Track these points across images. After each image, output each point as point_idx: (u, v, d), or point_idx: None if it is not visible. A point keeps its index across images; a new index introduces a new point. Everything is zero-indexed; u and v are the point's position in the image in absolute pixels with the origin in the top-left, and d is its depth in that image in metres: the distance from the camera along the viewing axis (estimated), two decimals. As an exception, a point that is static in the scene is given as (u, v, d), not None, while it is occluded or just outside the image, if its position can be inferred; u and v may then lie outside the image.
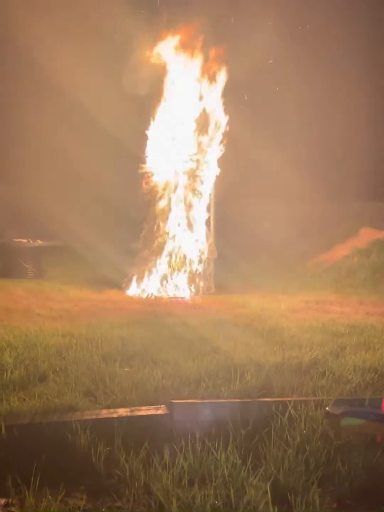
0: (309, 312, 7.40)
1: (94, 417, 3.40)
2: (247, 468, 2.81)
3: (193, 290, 9.52)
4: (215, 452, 2.94)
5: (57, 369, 4.27)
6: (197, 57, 10.00)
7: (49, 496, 2.63)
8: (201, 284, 9.65)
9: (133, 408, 3.56)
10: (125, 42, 12.41)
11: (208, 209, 10.10)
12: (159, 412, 3.51)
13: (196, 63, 10.03)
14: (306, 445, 3.05)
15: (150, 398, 3.73)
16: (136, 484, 2.76)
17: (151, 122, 10.05)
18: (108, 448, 3.06)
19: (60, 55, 13.39)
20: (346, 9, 14.77)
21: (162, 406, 3.59)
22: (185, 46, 10.00)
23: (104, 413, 3.49)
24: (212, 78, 10.06)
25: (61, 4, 13.73)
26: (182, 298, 9.12)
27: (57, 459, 2.99)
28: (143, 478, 2.79)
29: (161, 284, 9.53)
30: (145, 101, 10.24)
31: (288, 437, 3.14)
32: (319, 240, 13.64)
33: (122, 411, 3.50)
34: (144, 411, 3.54)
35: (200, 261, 9.82)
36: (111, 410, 3.54)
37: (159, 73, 10.05)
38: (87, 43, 13.35)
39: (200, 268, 9.75)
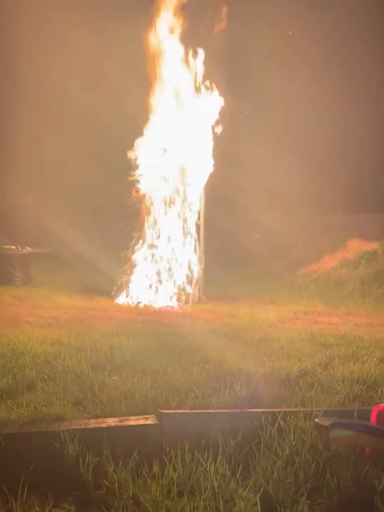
0: (298, 322, 7.42)
1: (82, 426, 3.37)
2: (236, 479, 2.81)
3: (182, 299, 9.51)
4: (204, 463, 2.93)
5: (46, 377, 4.24)
6: (190, 65, 10.05)
7: (37, 507, 2.60)
8: (190, 293, 9.64)
9: (122, 418, 3.53)
10: (117, 48, 12.48)
11: (198, 218, 10.12)
12: (149, 422, 3.49)
13: (189, 71, 10.07)
14: (295, 456, 3.05)
15: (139, 408, 3.70)
16: (124, 495, 2.74)
17: (142, 130, 10.07)
18: (96, 459, 3.03)
19: (52, 63, 13.42)
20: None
21: (151, 416, 3.57)
22: (178, 54, 10.04)
23: (93, 423, 3.46)
24: (205, 86, 10.11)
25: (57, 15, 13.77)
26: (171, 307, 9.10)
27: (45, 469, 2.96)
28: (132, 489, 2.77)
29: (151, 293, 9.51)
30: (136, 110, 10.26)
31: (278, 448, 3.13)
32: (307, 251, 13.73)
33: (111, 421, 3.48)
34: (134, 421, 3.51)
35: (189, 270, 9.82)
36: (100, 419, 3.51)
37: (151, 81, 10.09)
38: (80, 51, 13.41)
39: (189, 277, 9.74)
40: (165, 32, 9.87)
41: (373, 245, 12.37)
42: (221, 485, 2.76)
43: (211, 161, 10.03)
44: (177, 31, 9.88)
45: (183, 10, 9.74)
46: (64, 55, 14.24)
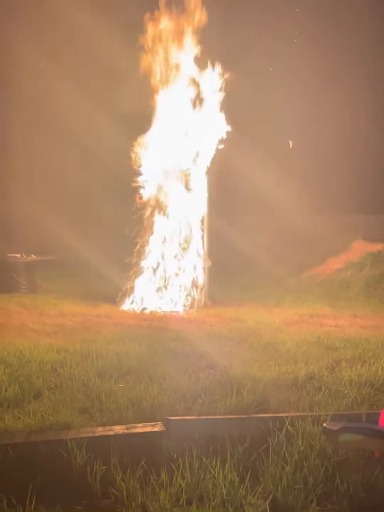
0: (304, 326, 7.39)
1: (90, 435, 3.36)
2: (245, 486, 2.79)
3: (187, 304, 9.50)
4: (212, 470, 2.92)
5: (52, 386, 4.23)
6: (190, 71, 10.07)
7: (45, 517, 2.59)
8: (195, 298, 9.63)
9: (129, 425, 3.52)
10: (115, 56, 12.52)
11: (202, 223, 10.12)
12: (156, 429, 3.48)
13: (189, 77, 10.09)
14: (304, 461, 3.03)
15: (146, 415, 3.69)
16: (133, 504, 2.73)
17: (145, 137, 10.09)
18: (104, 467, 3.02)
19: (53, 74, 13.50)
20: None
21: (158, 423, 3.56)
22: (178, 62, 10.06)
23: (100, 431, 3.45)
24: (206, 92, 10.12)
25: (53, 27, 13.88)
26: (176, 312, 9.09)
27: (53, 478, 2.95)
28: (140, 497, 2.76)
29: (156, 299, 9.51)
30: (139, 116, 10.28)
31: (286, 453, 3.12)
32: (312, 254, 13.70)
33: (118, 429, 3.47)
34: (141, 428, 3.50)
35: (194, 275, 9.81)
36: (107, 427, 3.50)
37: (153, 88, 10.12)
38: (79, 61, 13.48)
39: (194, 282, 9.74)
40: (168, 40, 9.91)
41: (377, 247, 12.33)
42: (230, 492, 2.75)
43: (213, 166, 10.05)
44: (180, 38, 9.91)
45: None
46: (66, 63, 14.32)
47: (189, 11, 9.72)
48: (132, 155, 9.95)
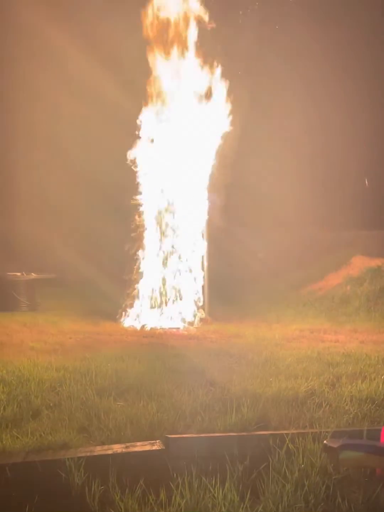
0: (304, 341, 7.37)
1: (88, 454, 3.33)
2: (245, 505, 2.75)
3: (188, 320, 9.48)
4: (212, 489, 2.88)
5: (51, 404, 4.21)
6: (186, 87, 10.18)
7: (43, 539, 2.56)
8: (195, 314, 9.61)
9: (128, 444, 3.49)
10: (118, 71, 12.67)
11: (202, 238, 10.14)
12: (155, 447, 3.45)
13: (186, 92, 10.19)
14: (305, 479, 2.99)
15: (145, 433, 3.66)
16: (132, 525, 2.69)
17: (143, 152, 10.15)
18: (102, 487, 2.98)
19: (51, 93, 13.65)
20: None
21: (157, 441, 3.53)
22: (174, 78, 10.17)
23: (99, 450, 3.42)
24: (204, 105, 10.21)
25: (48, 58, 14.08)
26: (177, 328, 9.07)
27: (50, 499, 2.91)
28: (139, 517, 2.72)
29: (156, 315, 9.49)
30: (137, 130, 10.36)
31: (286, 471, 3.08)
32: (312, 269, 13.70)
33: (117, 447, 3.44)
34: (140, 446, 3.47)
35: (194, 291, 9.81)
36: (106, 446, 3.47)
37: (149, 102, 10.23)
38: (79, 79, 13.64)
39: (194, 299, 9.73)
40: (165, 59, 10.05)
41: (377, 262, 12.34)
42: (230, 512, 2.71)
43: (212, 181, 10.10)
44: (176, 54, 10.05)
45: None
46: (68, 82, 14.48)
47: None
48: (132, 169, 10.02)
